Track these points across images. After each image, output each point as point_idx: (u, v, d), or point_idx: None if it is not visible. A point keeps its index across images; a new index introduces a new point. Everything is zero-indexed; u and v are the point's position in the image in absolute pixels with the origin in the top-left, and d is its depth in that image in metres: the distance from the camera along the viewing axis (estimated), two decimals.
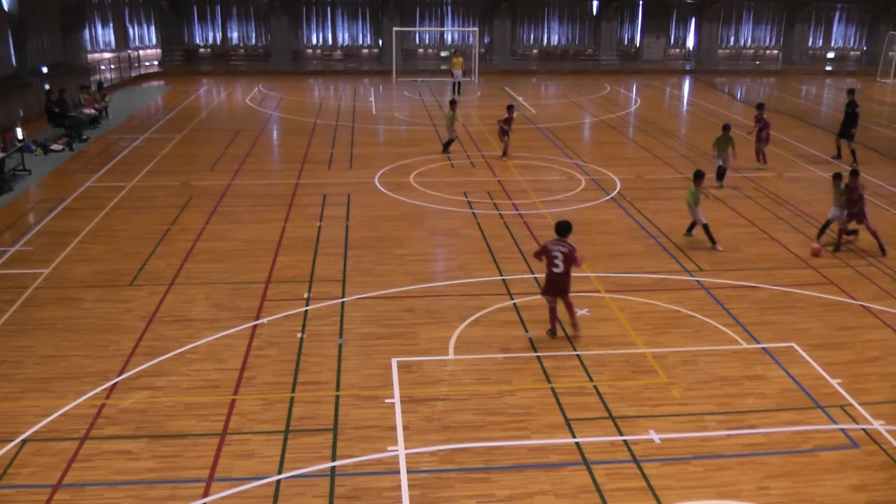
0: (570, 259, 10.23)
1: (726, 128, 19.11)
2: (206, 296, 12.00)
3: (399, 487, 7.55)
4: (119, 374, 9.61)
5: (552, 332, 10.61)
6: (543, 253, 10.37)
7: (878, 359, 10.24)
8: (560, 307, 10.64)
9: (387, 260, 13.59)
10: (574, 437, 8.41)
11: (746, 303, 11.89)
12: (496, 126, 21.51)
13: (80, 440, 8.25)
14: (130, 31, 40.73)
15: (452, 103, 22.11)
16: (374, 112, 29.38)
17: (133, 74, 38.58)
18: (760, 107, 21.10)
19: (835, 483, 7.70)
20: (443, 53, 44.27)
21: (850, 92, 22.49)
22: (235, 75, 40.21)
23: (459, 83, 34.07)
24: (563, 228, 10.43)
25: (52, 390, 9.24)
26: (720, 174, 18.60)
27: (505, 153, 21.14)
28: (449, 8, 44.45)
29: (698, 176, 13.99)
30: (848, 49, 48.45)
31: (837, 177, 14.52)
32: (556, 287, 10.39)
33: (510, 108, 21.19)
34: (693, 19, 46.73)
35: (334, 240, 14.57)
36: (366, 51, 44.96)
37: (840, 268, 13.37)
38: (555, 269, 10.22)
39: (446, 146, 21.70)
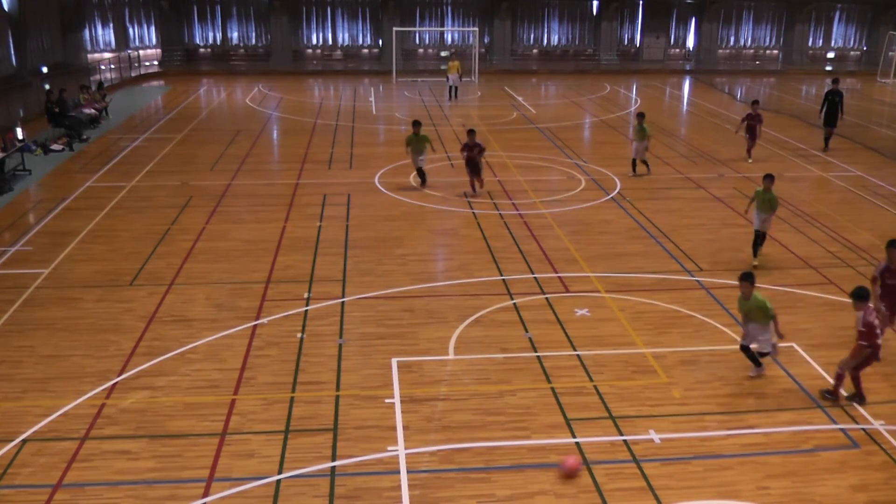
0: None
1: (640, 116, 19.29)
2: (206, 296, 12.00)
3: (399, 487, 7.55)
4: (119, 374, 9.62)
5: (860, 398, 9.18)
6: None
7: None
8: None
9: (387, 260, 13.59)
10: (574, 437, 8.41)
11: None
12: (463, 155, 17.51)
13: (80, 440, 8.25)
14: (130, 31, 40.73)
15: (416, 124, 18.04)
16: (374, 112, 29.37)
17: (133, 74, 38.56)
18: (756, 102, 21.70)
19: (835, 483, 7.70)
20: (443, 53, 44.22)
21: (835, 81, 22.64)
22: (235, 75, 40.19)
23: (456, 87, 32.95)
24: (859, 294, 8.87)
25: (52, 390, 9.24)
26: (634, 164, 19.52)
27: (474, 189, 17.51)
28: (449, 8, 44.44)
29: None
30: (848, 49, 48.46)
31: (769, 178, 13.26)
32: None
33: (470, 133, 17.29)
34: (693, 19, 46.73)
35: (334, 240, 14.56)
36: (366, 51, 44.96)
37: (840, 268, 13.36)
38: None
39: (424, 178, 18.25)
